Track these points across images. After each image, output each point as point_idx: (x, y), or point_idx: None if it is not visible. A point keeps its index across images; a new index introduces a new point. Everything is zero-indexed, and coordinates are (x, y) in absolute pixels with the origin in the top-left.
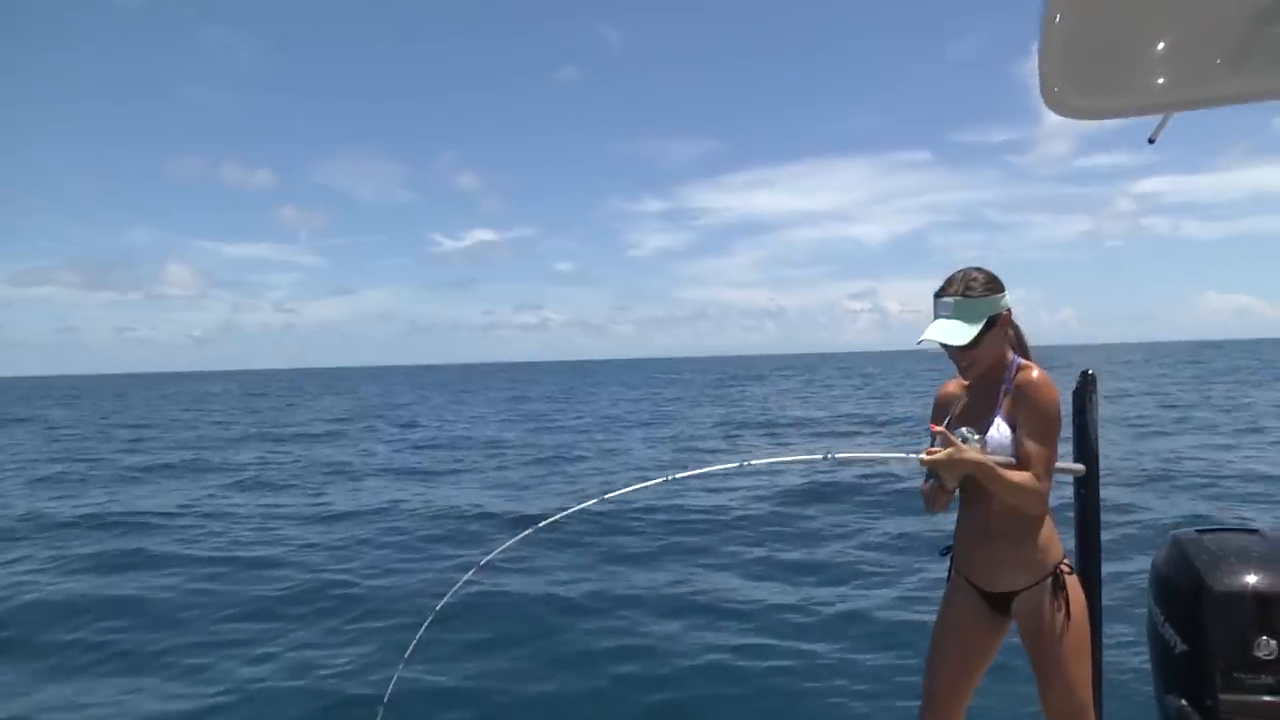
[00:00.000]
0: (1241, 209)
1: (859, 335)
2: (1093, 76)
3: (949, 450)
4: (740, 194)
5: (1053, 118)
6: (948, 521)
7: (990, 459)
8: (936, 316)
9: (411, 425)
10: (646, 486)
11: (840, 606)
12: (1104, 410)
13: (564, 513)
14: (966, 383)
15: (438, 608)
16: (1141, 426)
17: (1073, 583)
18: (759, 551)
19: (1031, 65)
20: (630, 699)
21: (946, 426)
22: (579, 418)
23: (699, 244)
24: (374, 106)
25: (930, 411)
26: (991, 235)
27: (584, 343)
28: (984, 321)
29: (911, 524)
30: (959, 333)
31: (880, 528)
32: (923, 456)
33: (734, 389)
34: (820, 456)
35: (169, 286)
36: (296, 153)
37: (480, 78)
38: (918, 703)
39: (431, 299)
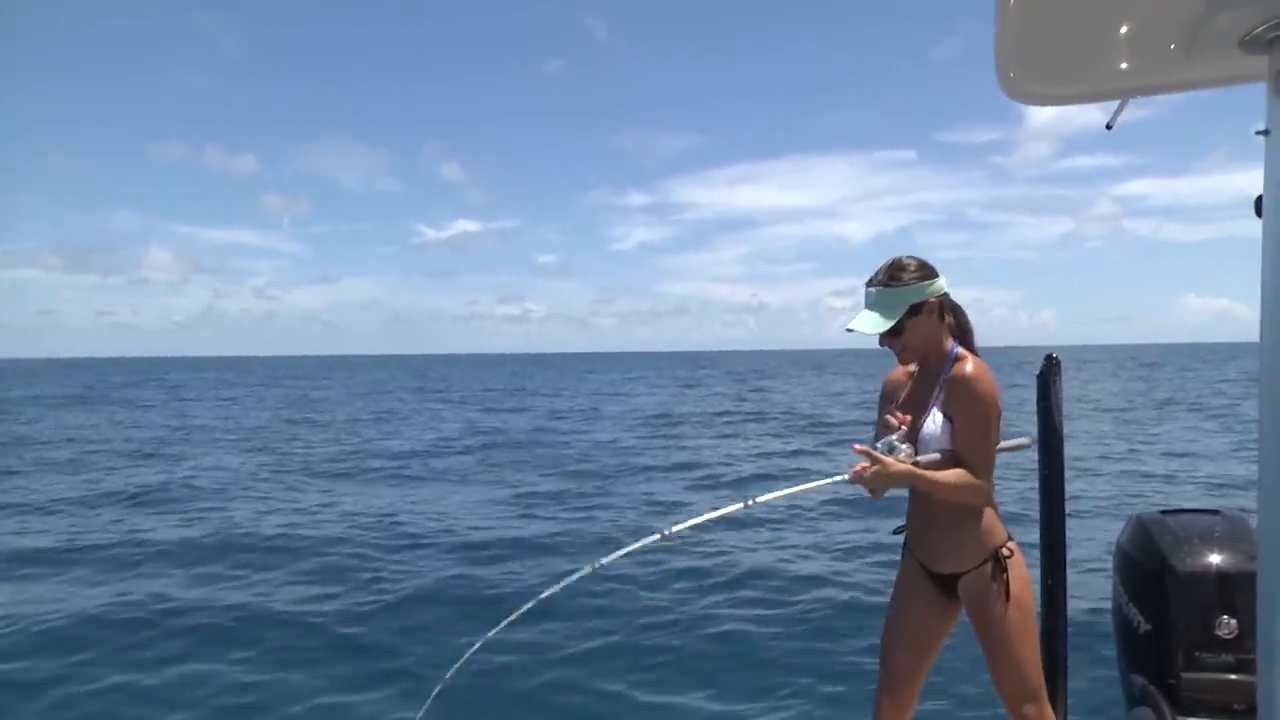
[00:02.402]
0: (1223, 212)
1: (841, 333)
2: (1047, 63)
3: (875, 469)
4: (724, 189)
5: (1035, 120)
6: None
7: (918, 468)
8: (865, 306)
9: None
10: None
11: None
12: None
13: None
14: (912, 371)
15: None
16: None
17: (1015, 564)
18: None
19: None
20: None
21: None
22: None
23: (682, 238)
24: (359, 94)
25: (878, 399)
26: (974, 235)
27: (565, 335)
28: (905, 310)
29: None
30: (876, 322)
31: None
32: (848, 477)
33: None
34: (741, 505)
35: (151, 270)
36: (281, 139)
37: (467, 68)
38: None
39: (414, 289)
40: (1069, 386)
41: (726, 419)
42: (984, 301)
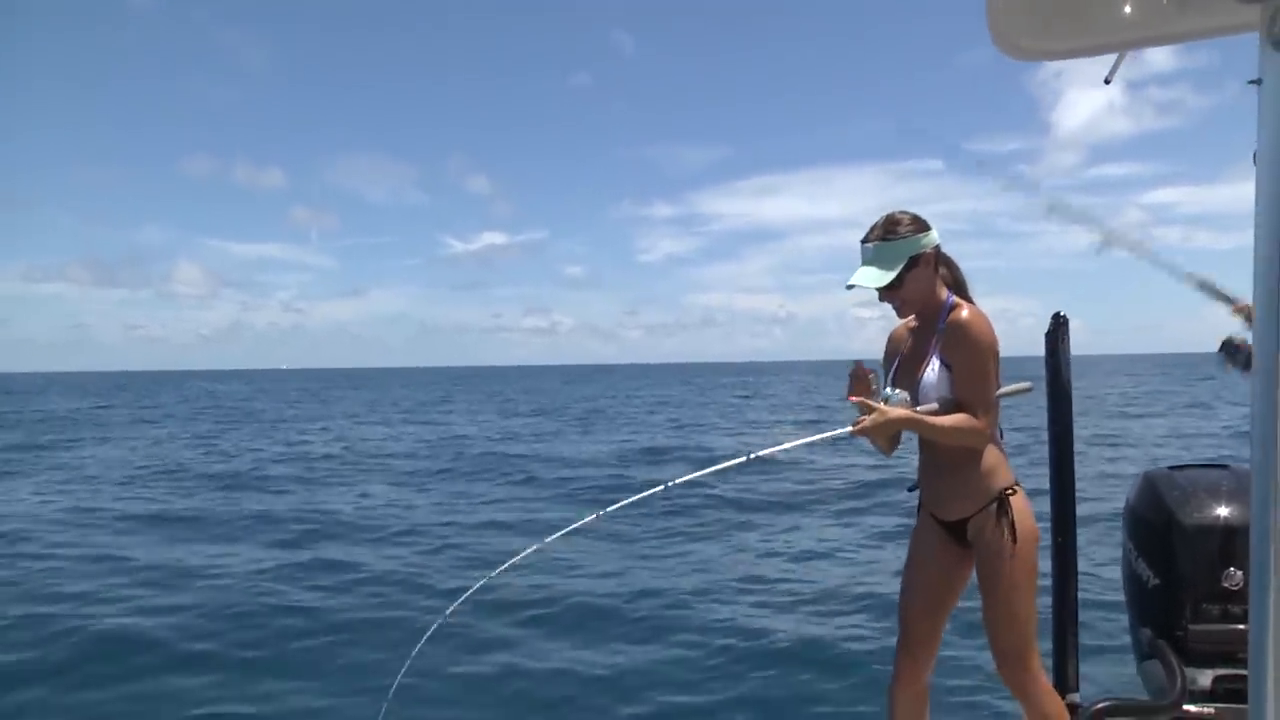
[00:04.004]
0: (1253, 220)
1: (868, 343)
2: (1041, 16)
3: (873, 416)
4: (751, 200)
5: (1062, 129)
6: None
7: (917, 413)
8: (862, 263)
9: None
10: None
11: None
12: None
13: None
14: (913, 326)
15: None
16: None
17: (1018, 504)
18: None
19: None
20: None
21: (895, 370)
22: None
23: (709, 250)
24: (385, 108)
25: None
26: (1001, 244)
27: (593, 347)
28: (904, 263)
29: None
30: (876, 276)
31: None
32: (850, 429)
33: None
34: (743, 458)
35: (179, 285)
36: (308, 153)
37: (493, 82)
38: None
39: (441, 301)
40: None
41: None
42: (1011, 311)
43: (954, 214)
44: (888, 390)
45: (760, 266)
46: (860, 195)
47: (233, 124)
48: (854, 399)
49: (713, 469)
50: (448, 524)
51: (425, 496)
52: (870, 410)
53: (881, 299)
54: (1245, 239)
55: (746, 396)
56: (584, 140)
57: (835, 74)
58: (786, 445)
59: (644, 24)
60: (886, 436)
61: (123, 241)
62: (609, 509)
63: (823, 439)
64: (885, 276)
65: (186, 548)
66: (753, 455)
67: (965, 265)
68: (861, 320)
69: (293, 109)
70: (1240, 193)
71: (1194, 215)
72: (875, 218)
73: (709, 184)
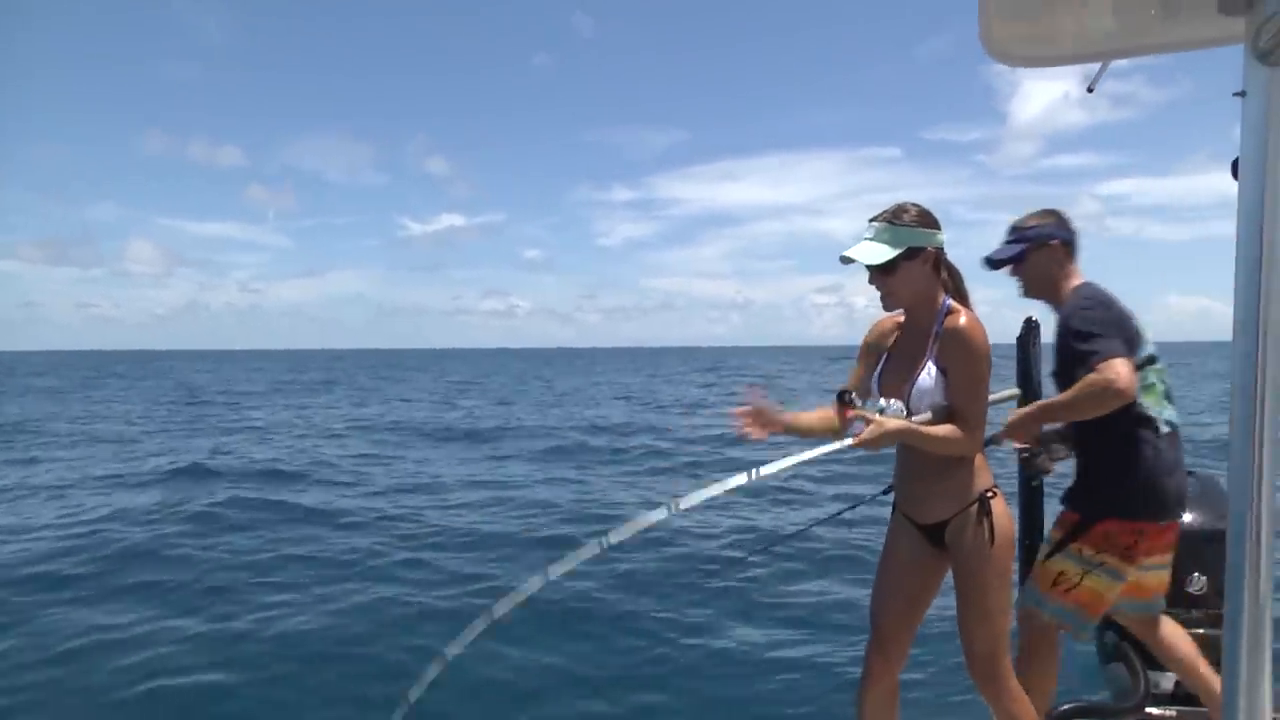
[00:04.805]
0: (1204, 212)
1: (825, 329)
2: (1031, 25)
3: (871, 429)
4: (710, 185)
5: (1019, 119)
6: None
7: (913, 424)
8: (864, 239)
9: None
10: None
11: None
12: None
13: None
14: (900, 321)
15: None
16: None
17: (998, 508)
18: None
19: (979, 23)
20: None
21: (880, 370)
22: None
23: (668, 234)
24: (345, 87)
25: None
26: (960, 233)
27: (551, 330)
28: (904, 249)
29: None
30: (873, 252)
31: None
32: (850, 442)
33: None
34: (745, 478)
35: (133, 264)
36: (266, 131)
37: (452, 61)
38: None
39: (399, 282)
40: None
41: None
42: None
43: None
44: (882, 402)
45: (718, 251)
46: (819, 182)
47: (190, 101)
48: (851, 413)
49: (717, 488)
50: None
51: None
52: (868, 422)
53: (871, 280)
54: (1196, 231)
55: (710, 386)
56: (544, 122)
57: (796, 61)
58: (789, 462)
59: (604, 6)
60: (884, 447)
61: (74, 219)
62: (610, 538)
63: (824, 453)
64: (882, 253)
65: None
66: (755, 473)
67: None
68: (819, 306)
69: (251, 86)
70: (1191, 185)
71: (1147, 206)
72: (834, 204)
73: (668, 168)
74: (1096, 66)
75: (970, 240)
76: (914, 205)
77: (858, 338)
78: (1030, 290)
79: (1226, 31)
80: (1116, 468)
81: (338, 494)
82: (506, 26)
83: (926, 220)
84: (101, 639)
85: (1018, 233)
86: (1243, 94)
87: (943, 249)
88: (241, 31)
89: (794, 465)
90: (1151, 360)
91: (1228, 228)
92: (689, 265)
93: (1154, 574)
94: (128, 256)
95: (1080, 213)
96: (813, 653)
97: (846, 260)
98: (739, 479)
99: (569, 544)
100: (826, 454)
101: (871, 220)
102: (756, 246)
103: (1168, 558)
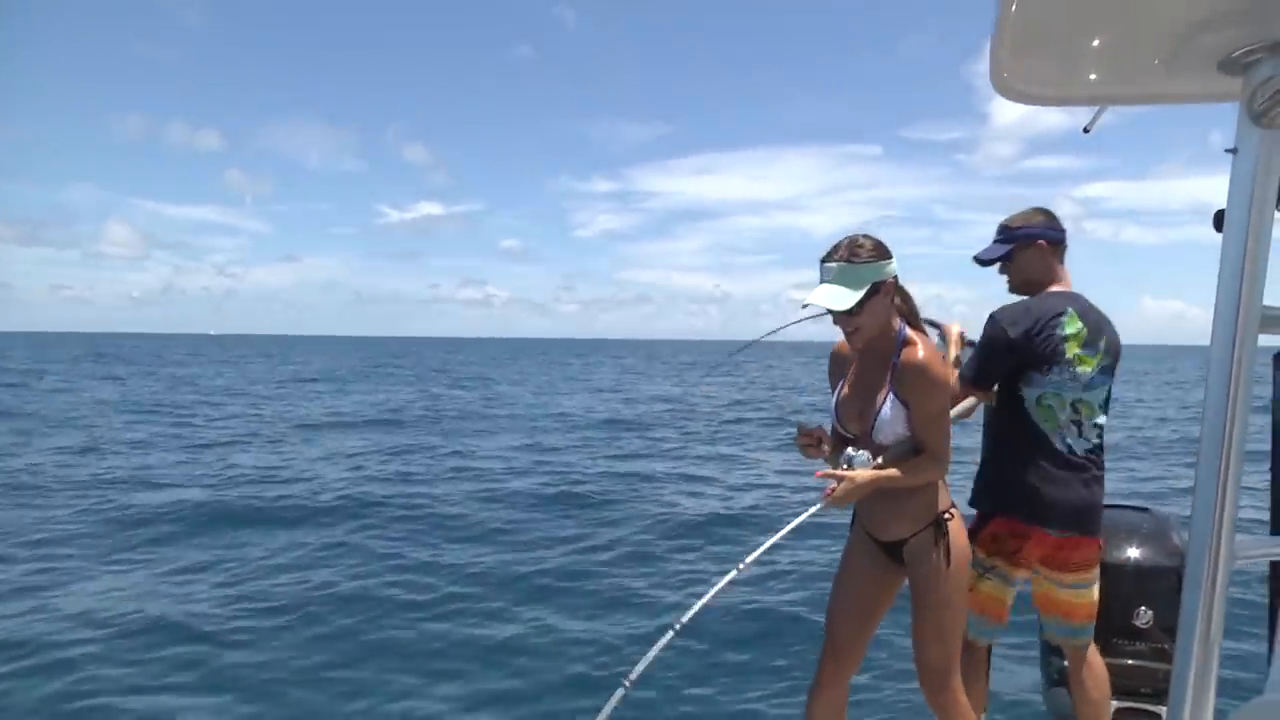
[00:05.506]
0: (1180, 217)
1: (801, 326)
2: (1040, 67)
3: (843, 485)
4: (689, 179)
5: (999, 120)
6: None
7: (882, 473)
8: (821, 281)
9: None
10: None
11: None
12: None
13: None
14: (859, 346)
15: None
16: None
17: (955, 528)
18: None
19: (984, 55)
20: None
21: (837, 401)
22: None
23: (646, 227)
24: (324, 72)
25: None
26: (938, 231)
27: (528, 320)
28: (867, 288)
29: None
30: (841, 298)
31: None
32: (821, 505)
33: None
34: (734, 570)
35: (108, 246)
36: (245, 115)
37: (433, 50)
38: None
39: (376, 270)
40: None
41: None
42: (945, 298)
43: (891, 201)
44: (850, 451)
45: (697, 245)
46: (799, 178)
47: (168, 83)
48: (820, 474)
49: (712, 591)
50: None
51: None
52: (839, 479)
53: (836, 322)
54: (1169, 235)
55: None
56: (523, 112)
57: (777, 56)
58: (769, 544)
59: None
60: (854, 500)
61: (47, 200)
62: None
63: (799, 523)
64: (851, 298)
65: None
66: (742, 565)
67: (903, 252)
68: (796, 302)
69: (230, 70)
70: (1166, 190)
71: (1124, 210)
72: (814, 201)
73: (647, 161)
74: (1095, 109)
75: (948, 239)
76: (866, 238)
77: (835, 335)
78: (1016, 288)
79: (1224, 89)
80: (1005, 470)
81: None
82: (489, 16)
83: (882, 252)
84: None
85: (1006, 231)
86: (1234, 151)
87: (897, 276)
88: (221, 16)
89: (774, 543)
90: (1061, 388)
91: (1201, 233)
92: (667, 258)
93: (1072, 592)
94: (103, 238)
95: (1059, 215)
96: (760, 658)
97: (809, 306)
98: (729, 576)
99: None
100: (804, 520)
101: (825, 261)
102: (735, 241)
103: (1086, 577)
